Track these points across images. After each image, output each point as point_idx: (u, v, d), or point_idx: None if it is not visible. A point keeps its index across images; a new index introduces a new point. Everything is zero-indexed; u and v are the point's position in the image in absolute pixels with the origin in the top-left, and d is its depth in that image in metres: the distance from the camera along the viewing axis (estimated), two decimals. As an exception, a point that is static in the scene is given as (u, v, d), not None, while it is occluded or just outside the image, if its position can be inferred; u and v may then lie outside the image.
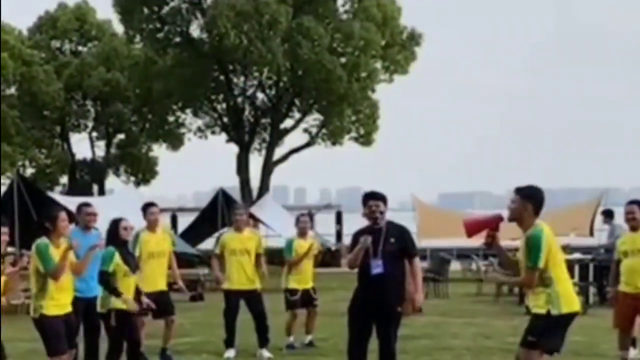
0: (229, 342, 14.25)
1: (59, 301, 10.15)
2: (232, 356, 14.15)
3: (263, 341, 14.35)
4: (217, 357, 14.25)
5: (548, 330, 8.58)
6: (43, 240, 10.19)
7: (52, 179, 48.22)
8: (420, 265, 10.92)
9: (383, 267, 10.48)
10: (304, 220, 15.38)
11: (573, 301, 8.73)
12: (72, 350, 10.68)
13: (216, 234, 30.82)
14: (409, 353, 14.35)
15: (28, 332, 13.11)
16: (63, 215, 10.37)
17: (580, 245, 25.47)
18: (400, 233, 10.71)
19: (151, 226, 13.49)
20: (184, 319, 17.43)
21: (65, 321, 10.26)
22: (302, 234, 15.21)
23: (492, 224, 8.93)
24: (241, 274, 14.18)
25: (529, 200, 8.67)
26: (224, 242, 14.35)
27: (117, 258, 11.10)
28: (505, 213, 8.99)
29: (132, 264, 11.39)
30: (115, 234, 11.26)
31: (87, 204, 12.60)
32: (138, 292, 11.50)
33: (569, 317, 8.68)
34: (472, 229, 9.05)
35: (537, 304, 8.65)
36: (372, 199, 10.63)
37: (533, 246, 8.48)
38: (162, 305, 13.15)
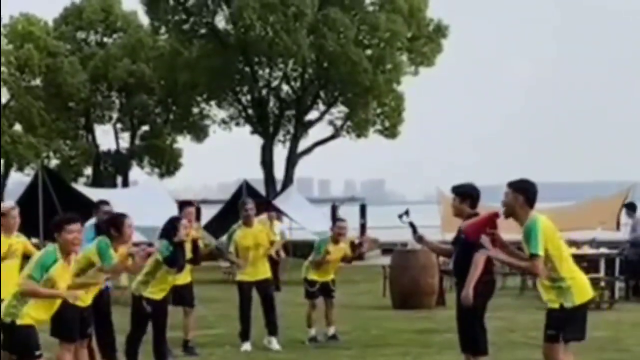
0: (244, 335, 14.27)
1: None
2: (249, 349, 14.12)
3: (272, 329, 14.34)
4: (240, 349, 14.19)
5: (566, 321, 8.62)
6: (105, 239, 10.37)
7: (77, 171, 48.16)
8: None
9: None
10: (342, 227, 15.17)
11: (585, 290, 8.77)
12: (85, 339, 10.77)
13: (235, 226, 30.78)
14: (433, 347, 14.30)
15: None
16: (128, 221, 10.56)
17: (607, 239, 25.26)
18: None
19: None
20: (206, 311, 17.39)
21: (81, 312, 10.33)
22: (336, 241, 15.04)
23: (489, 223, 9.00)
24: (253, 266, 14.25)
25: (520, 192, 8.71)
26: (235, 240, 14.30)
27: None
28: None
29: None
30: (173, 231, 11.38)
31: (105, 202, 12.88)
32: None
33: (584, 307, 8.75)
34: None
35: (550, 298, 8.69)
36: None
37: (529, 235, 8.52)
38: (180, 291, 13.32)
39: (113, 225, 10.52)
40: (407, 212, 10.29)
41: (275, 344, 14.23)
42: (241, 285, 14.29)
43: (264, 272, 14.35)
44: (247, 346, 14.16)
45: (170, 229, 11.43)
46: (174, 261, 11.42)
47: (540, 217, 8.67)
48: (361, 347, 14.35)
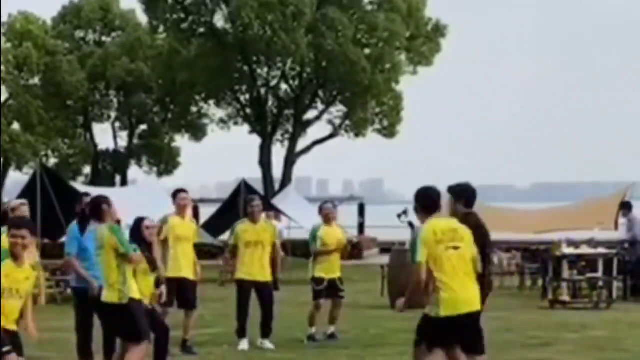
0: (241, 333, 14.12)
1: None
2: (246, 348, 13.99)
3: (267, 331, 14.21)
4: (237, 348, 14.10)
5: (427, 329, 8.73)
6: (110, 225, 10.40)
7: (75, 170, 48.29)
8: None
9: None
10: (328, 207, 14.92)
11: (454, 305, 8.63)
12: None
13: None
14: None
15: (48, 321, 13.24)
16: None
17: (605, 239, 25.23)
18: None
19: (180, 211, 13.60)
20: (204, 310, 17.33)
21: None
22: (327, 221, 14.78)
23: None
24: (254, 265, 14.05)
25: (417, 200, 8.93)
26: (237, 233, 14.14)
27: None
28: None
29: (153, 263, 11.29)
30: (138, 233, 11.18)
31: (86, 194, 12.73)
32: (158, 285, 11.41)
33: (448, 320, 8.64)
34: None
35: (428, 304, 8.73)
36: None
37: (413, 243, 8.71)
38: (185, 294, 13.25)
39: (93, 210, 10.68)
40: (405, 212, 10.34)
41: (268, 344, 14.12)
42: (241, 283, 14.16)
43: (265, 275, 14.12)
44: (244, 344, 14.02)
45: (134, 229, 11.30)
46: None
47: (427, 227, 8.71)
48: (360, 346, 14.23)
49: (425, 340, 8.72)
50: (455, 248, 8.74)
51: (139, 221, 11.31)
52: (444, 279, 8.62)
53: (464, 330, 8.75)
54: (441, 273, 8.62)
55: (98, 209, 10.71)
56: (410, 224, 10.22)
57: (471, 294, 8.75)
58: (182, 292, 13.12)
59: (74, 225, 11.62)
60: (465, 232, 8.95)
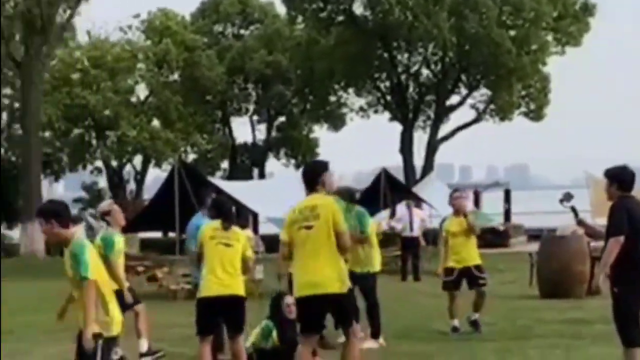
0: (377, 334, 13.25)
1: None
2: (384, 343, 13.10)
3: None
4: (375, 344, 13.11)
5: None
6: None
7: (213, 164, 48.64)
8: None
9: None
10: (456, 196, 14.18)
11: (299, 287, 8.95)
12: None
13: (379, 215, 29.98)
14: (585, 338, 13.28)
15: (185, 317, 12.77)
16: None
17: None
18: None
19: None
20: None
21: None
22: (456, 211, 14.03)
23: None
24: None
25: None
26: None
27: None
28: None
29: None
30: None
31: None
32: None
33: (302, 301, 9.01)
34: None
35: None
36: None
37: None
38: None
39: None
40: (568, 196, 9.94)
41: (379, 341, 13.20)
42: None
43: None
44: (374, 343, 13.09)
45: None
46: None
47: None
48: (506, 339, 13.44)
49: None
50: None
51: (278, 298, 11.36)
52: None
53: None
54: None
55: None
56: (573, 209, 9.91)
57: None
58: None
59: (195, 221, 11.79)
60: None
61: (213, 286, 9.96)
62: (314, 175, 8.73)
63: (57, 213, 7.47)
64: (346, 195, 12.39)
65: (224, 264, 9.98)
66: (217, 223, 10.20)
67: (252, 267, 11.24)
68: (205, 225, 10.47)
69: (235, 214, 11.05)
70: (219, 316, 10.22)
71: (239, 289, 10.04)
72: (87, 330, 7.24)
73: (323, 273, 8.70)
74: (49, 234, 7.56)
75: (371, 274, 13.01)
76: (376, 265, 13.14)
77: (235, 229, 10.23)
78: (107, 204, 12.33)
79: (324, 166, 9.09)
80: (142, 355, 11.54)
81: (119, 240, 11.55)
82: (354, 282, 13.08)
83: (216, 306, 10.02)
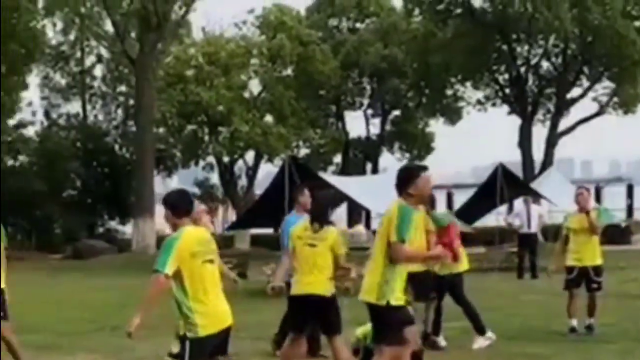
0: (482, 329, 12.83)
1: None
2: (494, 337, 12.72)
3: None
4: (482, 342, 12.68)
5: None
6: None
7: (326, 159, 48.37)
8: None
9: None
10: (579, 192, 13.75)
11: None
12: None
13: (495, 211, 29.07)
14: None
15: None
16: None
17: None
18: None
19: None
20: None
21: None
22: (580, 208, 13.57)
23: None
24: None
25: None
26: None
27: None
28: None
29: None
30: None
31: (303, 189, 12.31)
32: None
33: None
34: None
35: None
36: None
37: None
38: None
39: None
40: None
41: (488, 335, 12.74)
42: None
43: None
44: (484, 341, 12.68)
45: None
46: None
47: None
48: (629, 340, 12.96)
49: None
50: None
51: None
52: None
53: None
54: None
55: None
56: None
57: None
58: None
59: (290, 218, 11.71)
60: None
61: (298, 285, 10.06)
62: (402, 181, 8.31)
63: (173, 203, 7.81)
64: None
65: (309, 264, 10.00)
66: (306, 222, 10.25)
67: (348, 263, 10.58)
68: (296, 225, 10.52)
69: (327, 213, 10.70)
70: (307, 315, 10.11)
71: (322, 289, 9.92)
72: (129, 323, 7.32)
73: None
74: (166, 221, 7.95)
75: (455, 274, 12.65)
76: (461, 265, 12.74)
77: (326, 228, 10.13)
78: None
79: (414, 172, 8.55)
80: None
81: None
82: (441, 285, 12.54)
83: (302, 305, 10.04)
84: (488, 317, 13.17)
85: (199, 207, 11.72)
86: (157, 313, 7.39)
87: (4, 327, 10.47)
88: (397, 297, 8.37)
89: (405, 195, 8.33)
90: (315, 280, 9.93)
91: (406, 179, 8.33)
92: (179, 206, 7.77)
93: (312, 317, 10.10)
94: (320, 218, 10.17)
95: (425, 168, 8.81)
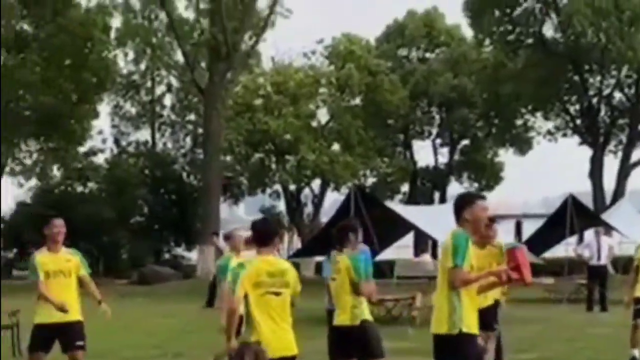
0: None
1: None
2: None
3: None
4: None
5: None
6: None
7: (393, 188, 48.10)
8: None
9: None
10: None
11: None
12: None
13: (565, 241, 28.52)
14: None
15: None
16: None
17: None
18: None
19: None
20: (522, 333, 15.38)
21: None
22: None
23: None
24: None
25: None
26: None
27: None
28: None
29: None
30: None
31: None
32: None
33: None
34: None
35: None
36: None
37: None
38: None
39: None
40: None
41: None
42: None
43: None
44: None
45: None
46: None
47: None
48: None
49: None
50: None
51: None
52: None
53: None
54: None
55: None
56: None
57: None
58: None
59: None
60: None
61: (335, 315, 10.08)
62: (458, 207, 7.91)
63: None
64: None
65: (334, 296, 10.14)
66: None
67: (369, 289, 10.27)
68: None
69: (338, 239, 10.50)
70: (346, 343, 9.99)
71: (349, 319, 9.88)
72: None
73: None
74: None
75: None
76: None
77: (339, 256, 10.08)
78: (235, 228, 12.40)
79: (469, 198, 8.15)
80: None
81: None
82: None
83: (340, 334, 10.01)
84: (556, 348, 12.88)
85: (237, 231, 11.80)
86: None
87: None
88: (468, 324, 8.02)
89: (462, 222, 8.05)
90: (340, 311, 9.97)
91: (462, 205, 7.96)
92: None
93: (352, 345, 9.96)
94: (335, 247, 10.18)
95: (482, 197, 8.44)
